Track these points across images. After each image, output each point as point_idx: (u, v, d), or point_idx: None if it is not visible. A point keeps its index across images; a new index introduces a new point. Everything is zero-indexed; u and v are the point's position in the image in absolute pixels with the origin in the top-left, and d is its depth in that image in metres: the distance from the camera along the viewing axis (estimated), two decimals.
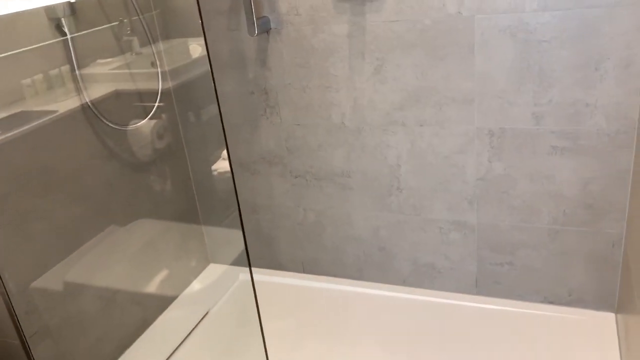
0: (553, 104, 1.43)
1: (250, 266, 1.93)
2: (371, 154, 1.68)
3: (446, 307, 1.76)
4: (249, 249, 2.02)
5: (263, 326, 1.82)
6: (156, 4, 1.76)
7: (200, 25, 1.74)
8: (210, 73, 1.68)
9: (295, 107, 1.71)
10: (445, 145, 1.58)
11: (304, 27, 1.60)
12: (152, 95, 1.74)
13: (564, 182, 1.50)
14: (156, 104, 1.68)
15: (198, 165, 1.96)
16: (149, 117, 1.66)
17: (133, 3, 1.62)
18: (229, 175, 2.04)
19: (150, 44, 1.69)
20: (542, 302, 1.68)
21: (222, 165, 2.05)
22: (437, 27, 1.46)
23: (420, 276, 1.80)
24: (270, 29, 1.64)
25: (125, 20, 1.63)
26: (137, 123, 1.68)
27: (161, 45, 1.80)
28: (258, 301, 1.92)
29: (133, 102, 1.71)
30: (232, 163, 1.91)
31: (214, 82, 1.68)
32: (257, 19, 1.59)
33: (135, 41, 1.68)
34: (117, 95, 1.63)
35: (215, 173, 2.05)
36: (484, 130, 1.53)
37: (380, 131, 1.63)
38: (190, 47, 1.94)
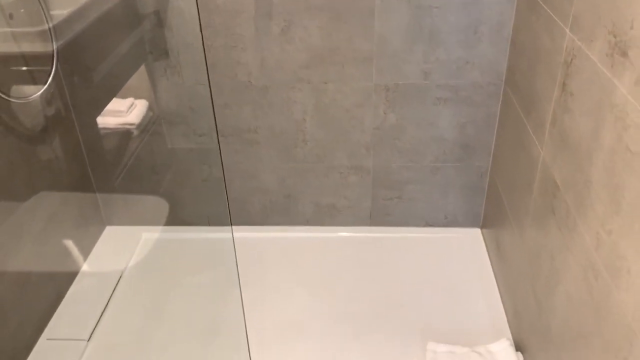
0: (439, 62, 1.66)
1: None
2: (278, 110, 1.77)
3: (346, 239, 2.00)
4: (150, 209, 2.01)
5: (181, 282, 1.88)
6: None
7: None
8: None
9: (199, 67, 1.71)
10: (346, 100, 1.75)
11: None
12: (38, 58, 1.59)
13: (445, 127, 1.78)
14: (53, 68, 1.54)
15: (86, 129, 1.86)
16: (46, 84, 1.53)
17: None
18: (115, 133, 1.97)
19: None
20: (424, 226, 2.00)
21: (105, 122, 1.97)
22: None
23: (322, 216, 1.99)
24: None
25: None
26: (27, 91, 1.54)
27: None
28: (172, 259, 1.96)
29: (11, 66, 1.55)
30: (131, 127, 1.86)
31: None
32: None
33: None
34: None
35: (102, 133, 1.96)
36: (381, 86, 1.72)
37: (286, 89, 1.73)
38: None
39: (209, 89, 1.75)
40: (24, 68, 1.55)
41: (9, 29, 1.50)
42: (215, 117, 1.70)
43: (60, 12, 1.72)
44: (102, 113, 1.96)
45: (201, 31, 1.62)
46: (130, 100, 1.98)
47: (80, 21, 1.71)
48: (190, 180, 1.92)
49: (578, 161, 1.11)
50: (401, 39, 1.63)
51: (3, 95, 1.41)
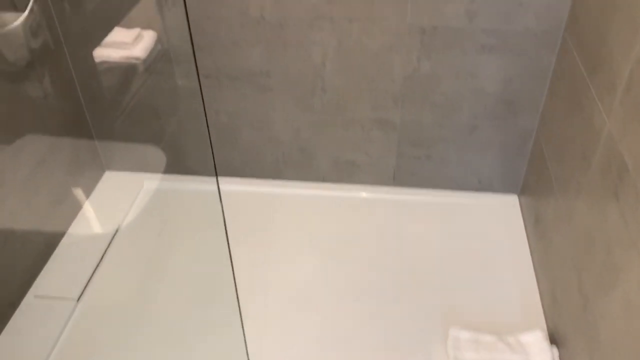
0: (487, 2, 1.39)
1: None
2: (294, 52, 1.54)
3: (365, 200, 1.80)
4: (150, 156, 1.84)
5: (183, 239, 1.73)
6: None
7: None
8: None
9: None
10: (374, 42, 1.50)
11: None
12: None
13: (488, 79, 1.53)
14: None
15: (81, 64, 1.66)
16: (27, 10, 1.32)
17: None
18: (117, 68, 1.77)
19: None
20: (454, 189, 1.79)
21: (106, 54, 1.77)
22: None
23: (340, 172, 1.79)
24: None
25: None
26: (6, 19, 1.33)
27: None
28: (177, 211, 1.80)
29: None
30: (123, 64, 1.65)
31: None
32: None
33: None
34: None
35: (100, 68, 1.77)
36: (416, 27, 1.46)
37: (305, 27, 1.49)
38: None
39: (215, 24, 1.52)
40: None
41: None
42: (194, 56, 1.47)
43: None
44: (104, 44, 1.75)
45: None
46: (136, 30, 1.77)
47: None
48: (197, 125, 1.73)
49: None
50: None
51: None
